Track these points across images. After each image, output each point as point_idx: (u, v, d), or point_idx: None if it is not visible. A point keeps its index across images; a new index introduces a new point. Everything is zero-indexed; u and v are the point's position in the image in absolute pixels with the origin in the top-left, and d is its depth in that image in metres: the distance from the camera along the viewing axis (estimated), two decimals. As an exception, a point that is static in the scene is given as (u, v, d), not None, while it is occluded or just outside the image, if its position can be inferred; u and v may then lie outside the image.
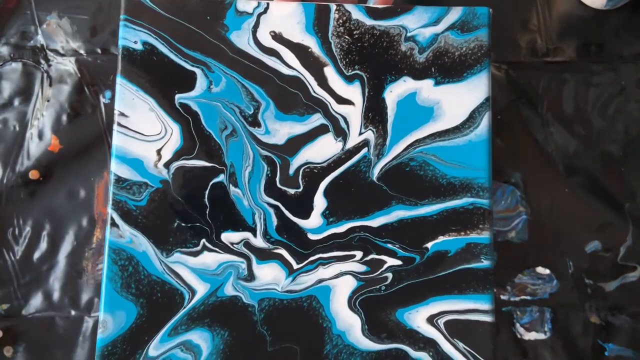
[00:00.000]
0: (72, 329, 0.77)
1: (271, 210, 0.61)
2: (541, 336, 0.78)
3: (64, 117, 0.79)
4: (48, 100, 0.79)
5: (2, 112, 0.79)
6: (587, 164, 0.80)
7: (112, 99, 0.78)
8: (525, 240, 0.79)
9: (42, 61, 0.80)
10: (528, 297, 0.78)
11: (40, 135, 0.79)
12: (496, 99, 0.80)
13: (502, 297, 0.78)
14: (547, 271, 0.79)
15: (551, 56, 0.81)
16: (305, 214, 0.61)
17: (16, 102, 0.79)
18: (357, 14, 0.62)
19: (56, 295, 0.78)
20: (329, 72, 0.61)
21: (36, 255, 0.78)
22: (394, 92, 0.62)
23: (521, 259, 0.79)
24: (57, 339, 0.77)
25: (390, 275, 0.61)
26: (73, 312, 0.77)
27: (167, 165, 0.61)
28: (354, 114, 0.61)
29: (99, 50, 0.81)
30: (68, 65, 0.80)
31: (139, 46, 0.61)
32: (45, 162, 0.79)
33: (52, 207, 0.79)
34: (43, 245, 0.78)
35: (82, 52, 0.80)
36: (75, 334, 0.77)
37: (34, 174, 0.78)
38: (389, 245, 0.61)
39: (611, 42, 0.81)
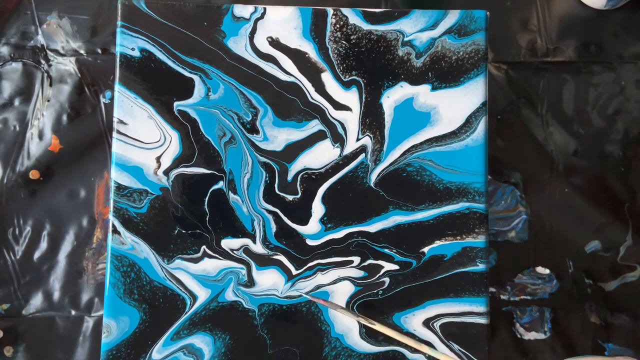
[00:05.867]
0: (72, 329, 0.78)
1: (270, 217, 0.61)
2: (541, 336, 0.78)
3: (64, 117, 0.79)
4: (48, 100, 0.79)
5: (2, 112, 0.79)
6: (587, 164, 0.80)
7: (112, 99, 0.78)
8: (525, 240, 0.79)
9: (43, 61, 0.80)
10: (528, 297, 0.79)
11: (41, 135, 0.79)
12: (496, 99, 0.80)
13: (502, 297, 0.79)
14: (547, 271, 0.79)
15: (551, 56, 0.81)
16: (304, 220, 0.61)
17: (16, 102, 0.79)
18: (354, 18, 0.62)
19: (56, 295, 0.78)
20: (327, 78, 0.61)
21: (36, 255, 0.78)
22: (391, 98, 0.62)
23: (521, 259, 0.79)
24: (57, 339, 0.78)
25: (387, 279, 0.61)
26: (73, 312, 0.78)
27: (166, 172, 0.61)
28: (351, 120, 0.61)
29: (99, 50, 0.80)
30: (68, 65, 0.80)
31: (136, 53, 0.61)
32: (45, 162, 0.79)
33: (53, 207, 0.79)
34: (43, 245, 0.78)
35: (82, 52, 0.80)
36: (75, 334, 0.78)
37: (34, 174, 0.79)
38: (386, 250, 0.61)
39: (611, 42, 0.81)
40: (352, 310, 0.61)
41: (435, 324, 0.61)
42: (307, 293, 0.61)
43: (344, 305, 0.61)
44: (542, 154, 0.80)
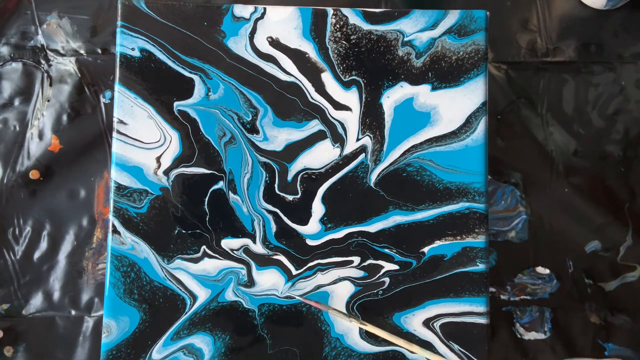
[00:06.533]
0: (72, 329, 0.78)
1: (270, 217, 0.61)
2: (541, 336, 0.78)
3: (64, 117, 0.79)
4: (48, 100, 0.79)
5: (2, 112, 0.79)
6: (587, 164, 0.80)
7: (112, 99, 0.78)
8: (525, 240, 0.79)
9: (43, 61, 0.80)
10: (528, 297, 0.79)
11: (41, 135, 0.79)
12: (496, 99, 0.80)
13: (502, 297, 0.79)
14: (547, 271, 0.79)
15: (551, 56, 0.81)
16: (304, 220, 0.61)
17: (16, 102, 0.79)
18: (354, 18, 0.62)
19: (56, 295, 0.78)
20: (327, 78, 0.61)
21: (36, 255, 0.78)
22: (391, 98, 0.62)
23: (521, 259, 0.79)
24: (57, 339, 0.78)
25: (387, 279, 0.61)
26: (73, 312, 0.78)
27: (166, 172, 0.61)
28: (351, 120, 0.61)
29: (99, 50, 0.80)
30: (68, 65, 0.80)
31: (136, 53, 0.61)
32: (45, 162, 0.79)
33: (53, 207, 0.79)
34: (43, 245, 0.78)
35: (82, 52, 0.80)
36: (75, 334, 0.78)
37: (34, 174, 0.79)
38: (386, 250, 0.61)
39: (611, 42, 0.81)
40: (343, 312, 0.61)
41: (435, 324, 0.61)
42: (299, 295, 0.61)
43: (342, 306, 0.61)
44: (542, 154, 0.80)
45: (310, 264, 0.61)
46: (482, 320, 0.62)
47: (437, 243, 0.62)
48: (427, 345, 0.61)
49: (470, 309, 0.62)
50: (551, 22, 0.81)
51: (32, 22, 0.81)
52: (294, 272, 0.61)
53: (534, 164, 0.80)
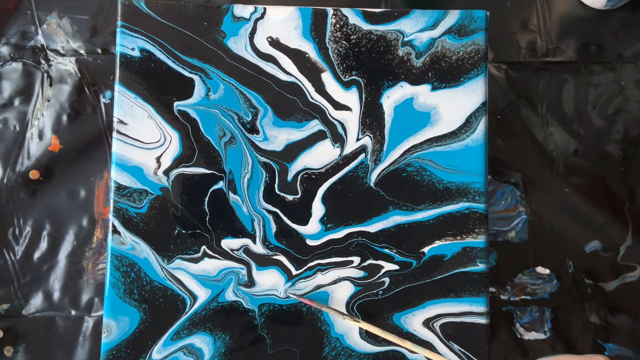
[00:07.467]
0: (72, 329, 0.78)
1: (270, 217, 0.61)
2: (541, 336, 0.78)
3: (64, 117, 0.79)
4: (48, 100, 0.79)
5: (2, 112, 0.79)
6: (587, 164, 0.80)
7: (112, 99, 0.78)
8: (525, 240, 0.79)
9: (43, 61, 0.80)
10: (528, 297, 0.79)
11: (41, 135, 0.79)
12: (496, 99, 0.80)
13: (502, 297, 0.79)
14: (547, 271, 0.79)
15: (551, 56, 0.81)
16: (304, 220, 0.61)
17: (16, 102, 0.79)
18: (354, 18, 0.62)
19: (56, 295, 0.78)
20: (327, 78, 0.61)
21: (36, 255, 0.78)
22: (391, 98, 0.62)
23: (521, 259, 0.79)
24: (57, 339, 0.78)
25: (387, 279, 0.61)
26: (73, 312, 0.78)
27: (166, 172, 0.61)
28: (351, 120, 0.61)
29: (99, 50, 0.80)
30: (68, 65, 0.80)
31: (136, 53, 0.61)
32: (45, 162, 0.79)
33: (53, 207, 0.79)
34: (43, 245, 0.78)
35: (82, 52, 0.80)
36: (75, 334, 0.78)
37: (34, 174, 0.79)
38: (386, 251, 0.61)
39: (611, 42, 0.81)
40: (338, 310, 0.61)
41: (435, 324, 0.61)
42: (292, 293, 0.61)
43: (342, 306, 0.61)
44: (542, 154, 0.80)
45: (310, 264, 0.61)
46: (482, 320, 0.62)
47: (437, 243, 0.62)
48: (426, 345, 0.61)
49: (470, 309, 0.61)
50: (551, 22, 0.81)
51: (32, 22, 0.81)
52: (294, 272, 0.61)
53: (534, 164, 0.80)
